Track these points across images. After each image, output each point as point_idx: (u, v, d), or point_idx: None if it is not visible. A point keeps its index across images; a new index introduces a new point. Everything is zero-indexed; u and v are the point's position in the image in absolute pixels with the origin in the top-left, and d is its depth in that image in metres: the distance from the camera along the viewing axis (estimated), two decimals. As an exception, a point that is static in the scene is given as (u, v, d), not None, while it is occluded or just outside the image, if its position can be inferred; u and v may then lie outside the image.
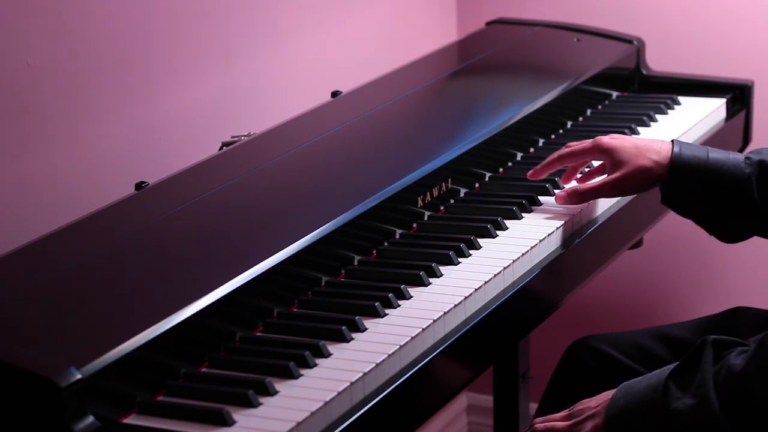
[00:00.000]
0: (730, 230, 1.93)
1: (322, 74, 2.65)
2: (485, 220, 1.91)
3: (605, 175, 1.98)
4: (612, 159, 1.93)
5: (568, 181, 2.05)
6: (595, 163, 2.06)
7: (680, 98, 2.52)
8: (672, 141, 1.93)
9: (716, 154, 1.90)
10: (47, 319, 1.52)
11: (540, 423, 1.75)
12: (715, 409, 1.56)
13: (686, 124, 2.38)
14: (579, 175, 2.06)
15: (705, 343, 1.62)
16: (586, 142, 1.98)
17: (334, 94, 2.31)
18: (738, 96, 2.56)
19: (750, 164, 1.89)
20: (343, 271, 1.78)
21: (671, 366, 1.65)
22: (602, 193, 1.95)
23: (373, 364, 1.51)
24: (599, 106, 2.50)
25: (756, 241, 1.99)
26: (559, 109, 2.36)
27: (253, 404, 1.44)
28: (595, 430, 1.68)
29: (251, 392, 1.44)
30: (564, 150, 2.00)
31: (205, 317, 1.54)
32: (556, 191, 2.04)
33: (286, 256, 1.67)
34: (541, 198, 2.01)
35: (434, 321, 1.62)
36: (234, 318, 1.60)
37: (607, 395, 1.70)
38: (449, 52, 2.66)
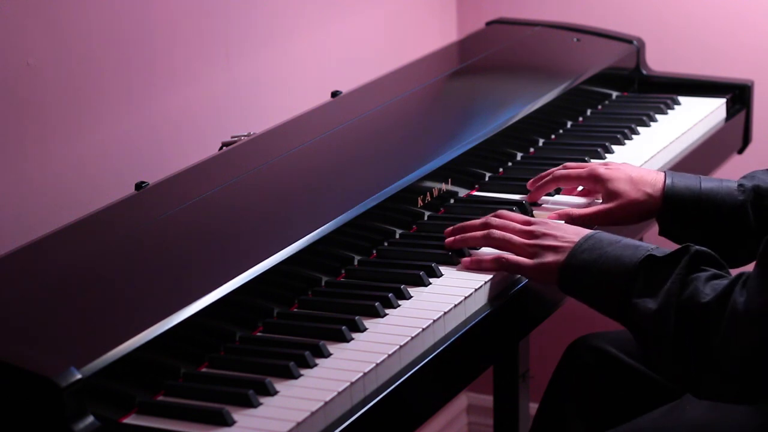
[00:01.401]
0: (728, 256, 1.93)
1: (322, 74, 2.65)
2: (485, 220, 1.91)
3: (599, 199, 1.98)
4: (606, 189, 1.94)
5: (567, 195, 2.05)
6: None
7: (680, 98, 2.52)
8: (665, 172, 1.93)
9: (709, 184, 1.91)
10: (47, 319, 1.52)
11: (498, 229, 1.77)
12: (669, 328, 1.57)
13: (686, 124, 2.38)
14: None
15: (687, 251, 1.62)
16: (582, 170, 1.97)
17: (334, 94, 2.31)
18: (738, 96, 2.56)
19: (743, 191, 1.90)
20: (343, 271, 1.78)
21: (647, 246, 1.65)
22: (593, 221, 1.95)
23: (373, 364, 1.51)
24: (599, 106, 2.50)
25: (755, 241, 1.99)
26: (559, 109, 2.36)
27: (253, 404, 1.44)
28: (555, 265, 1.70)
29: (251, 392, 1.44)
30: (560, 172, 1.99)
31: (205, 317, 1.54)
32: (555, 191, 2.04)
33: (286, 256, 1.67)
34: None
35: (434, 321, 1.62)
36: (234, 318, 1.60)
37: (573, 236, 1.71)
38: (449, 52, 2.66)
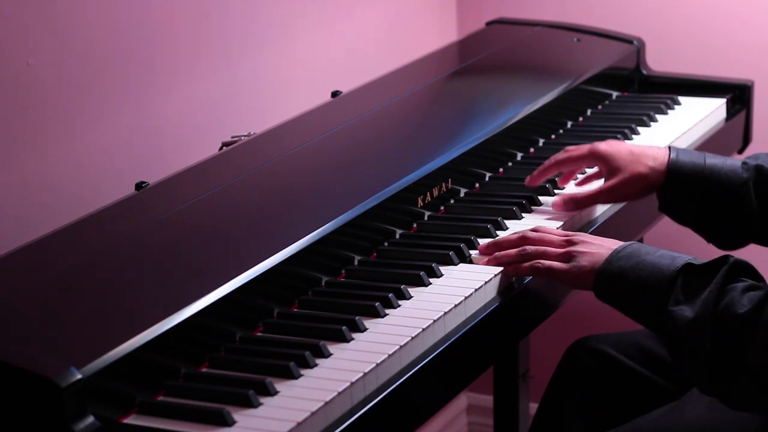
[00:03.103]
0: (728, 237, 1.93)
1: (322, 74, 2.65)
2: (485, 220, 1.91)
3: (602, 180, 1.98)
4: (608, 166, 1.94)
5: (565, 182, 2.05)
6: (590, 171, 2.07)
7: (680, 98, 2.52)
8: (669, 147, 1.93)
9: (713, 160, 1.90)
10: (47, 319, 1.52)
11: (533, 243, 1.76)
12: (705, 337, 1.56)
13: (686, 124, 2.38)
14: (578, 177, 2.07)
15: (726, 261, 1.62)
16: (583, 149, 1.98)
17: (334, 94, 2.31)
18: (738, 96, 2.56)
19: (747, 169, 1.89)
20: (343, 271, 1.78)
21: (685, 256, 1.65)
22: (598, 200, 1.95)
23: (374, 364, 1.51)
24: (599, 106, 2.50)
25: (755, 240, 1.99)
26: (559, 109, 2.36)
27: (253, 404, 1.44)
28: (590, 270, 1.69)
29: (251, 392, 1.44)
30: (561, 155, 2.00)
31: (205, 317, 1.54)
32: (556, 191, 2.04)
33: (286, 256, 1.67)
34: (541, 198, 2.01)
35: (434, 321, 1.62)
36: (234, 318, 1.60)
37: (611, 243, 1.71)
38: (449, 52, 2.66)
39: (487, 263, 1.78)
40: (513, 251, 1.76)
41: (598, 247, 1.71)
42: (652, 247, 1.69)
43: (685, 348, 1.59)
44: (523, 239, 1.78)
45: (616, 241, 1.74)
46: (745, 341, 1.54)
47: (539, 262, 1.73)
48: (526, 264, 1.74)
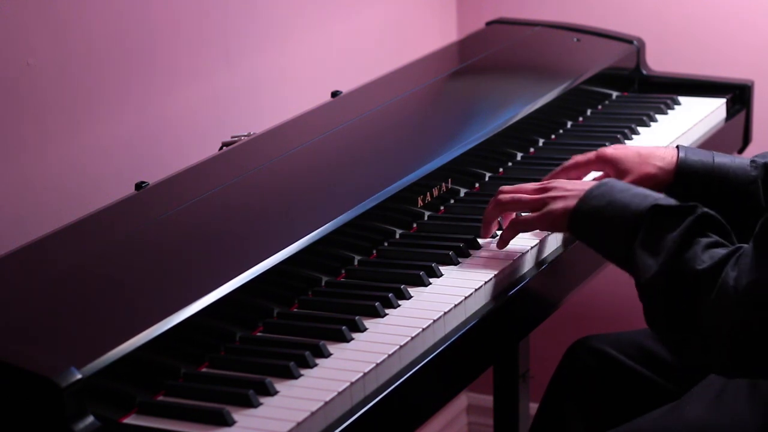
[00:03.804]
0: (737, 233, 1.93)
1: (322, 74, 2.65)
2: (485, 220, 1.91)
3: None
4: (616, 169, 1.93)
5: None
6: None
7: (680, 98, 2.52)
8: (677, 146, 1.93)
9: (721, 158, 1.91)
10: (47, 319, 1.52)
11: (507, 193, 1.82)
12: (663, 288, 1.58)
13: (686, 124, 2.38)
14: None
15: (694, 211, 1.62)
16: (590, 155, 1.97)
17: (334, 94, 2.31)
18: (738, 96, 2.56)
19: (756, 167, 1.89)
20: (343, 271, 1.78)
21: (656, 196, 1.67)
22: None
23: (373, 364, 1.51)
24: (599, 106, 2.50)
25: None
26: (559, 109, 2.36)
27: (253, 404, 1.44)
28: (564, 211, 1.73)
29: (251, 392, 1.44)
30: (568, 163, 1.99)
31: (205, 317, 1.54)
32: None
33: (286, 256, 1.67)
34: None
35: (434, 321, 1.62)
36: (234, 318, 1.60)
37: (583, 185, 1.75)
38: (449, 52, 2.66)
39: (485, 236, 1.84)
40: (490, 207, 1.83)
41: (570, 190, 1.75)
42: (626, 185, 1.71)
43: (646, 295, 1.60)
44: (498, 193, 1.84)
45: (591, 182, 1.76)
46: (700, 299, 1.55)
47: (515, 218, 1.80)
48: (506, 228, 1.80)
